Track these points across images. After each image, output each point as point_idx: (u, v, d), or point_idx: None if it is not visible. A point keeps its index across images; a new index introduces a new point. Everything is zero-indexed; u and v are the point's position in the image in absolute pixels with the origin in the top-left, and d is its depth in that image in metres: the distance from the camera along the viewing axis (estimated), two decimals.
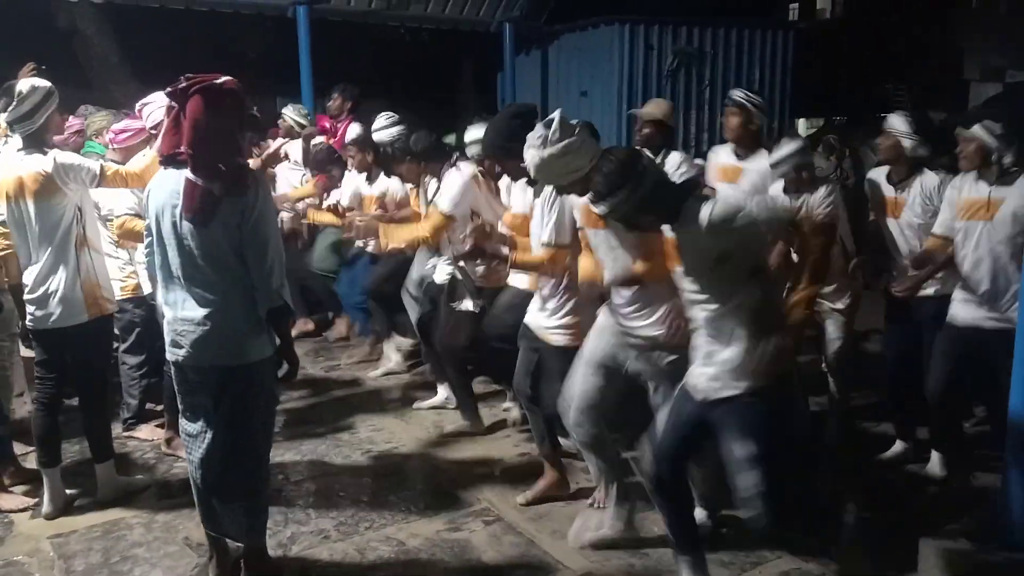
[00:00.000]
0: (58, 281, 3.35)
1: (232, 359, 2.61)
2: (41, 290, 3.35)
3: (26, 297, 3.40)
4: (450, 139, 5.75)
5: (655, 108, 4.46)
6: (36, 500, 3.55)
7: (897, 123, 3.68)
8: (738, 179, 4.23)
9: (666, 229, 2.60)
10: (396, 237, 4.06)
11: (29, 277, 3.38)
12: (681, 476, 2.80)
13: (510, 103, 3.63)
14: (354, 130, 5.39)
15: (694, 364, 2.64)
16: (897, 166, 3.73)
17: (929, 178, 3.64)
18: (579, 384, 3.10)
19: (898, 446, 3.96)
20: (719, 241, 2.45)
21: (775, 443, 2.53)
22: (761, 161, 4.09)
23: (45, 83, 3.34)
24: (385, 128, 4.83)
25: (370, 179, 5.26)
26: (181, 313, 2.62)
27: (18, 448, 3.89)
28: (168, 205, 2.57)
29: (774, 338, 2.49)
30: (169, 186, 2.58)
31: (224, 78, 2.55)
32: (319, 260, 5.78)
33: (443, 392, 4.73)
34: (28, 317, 3.43)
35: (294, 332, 6.03)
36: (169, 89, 2.56)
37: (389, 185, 5.11)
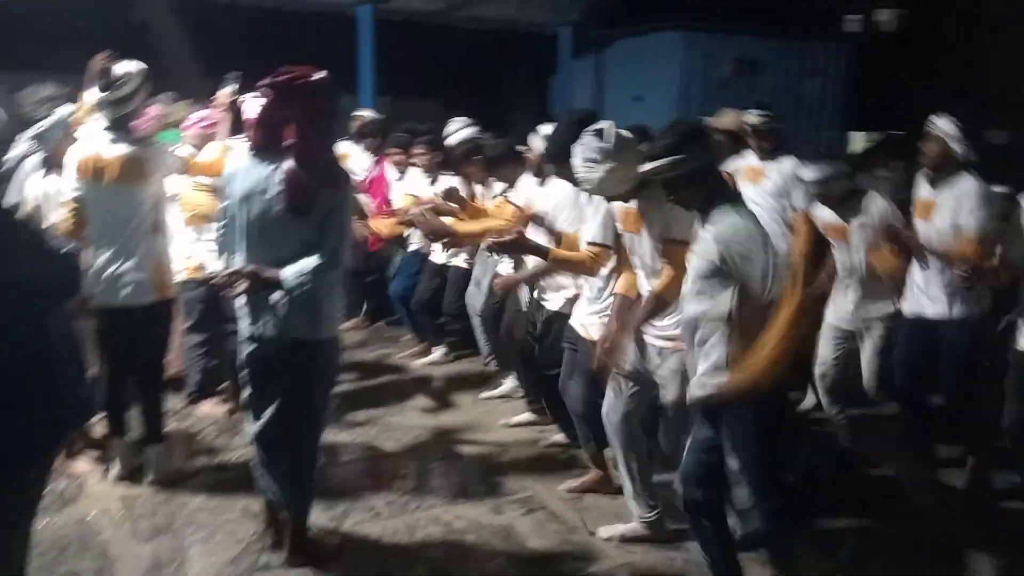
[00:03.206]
0: (131, 261, 3.47)
1: (305, 334, 2.73)
2: (112, 269, 3.46)
3: (92, 274, 3.47)
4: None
5: (729, 119, 4.75)
6: (105, 466, 3.74)
7: (944, 125, 3.56)
8: (761, 180, 4.61)
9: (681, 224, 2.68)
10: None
11: (97, 255, 3.48)
12: (711, 498, 2.66)
13: (569, 110, 3.63)
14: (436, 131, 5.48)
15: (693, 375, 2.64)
16: (940, 169, 3.60)
17: (968, 180, 3.52)
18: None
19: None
20: (719, 255, 2.46)
21: (765, 454, 2.51)
22: (784, 163, 4.50)
23: (142, 65, 3.45)
24: (458, 131, 5.01)
25: (433, 180, 5.40)
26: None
27: None
28: (258, 191, 2.67)
29: (761, 350, 2.39)
30: (258, 172, 2.69)
31: (320, 73, 2.63)
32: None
33: (510, 382, 4.84)
34: (96, 294, 3.51)
35: (347, 324, 6.25)
36: (267, 81, 2.65)
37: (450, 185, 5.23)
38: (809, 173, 3.78)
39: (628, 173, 2.85)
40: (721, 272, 2.48)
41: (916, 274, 3.68)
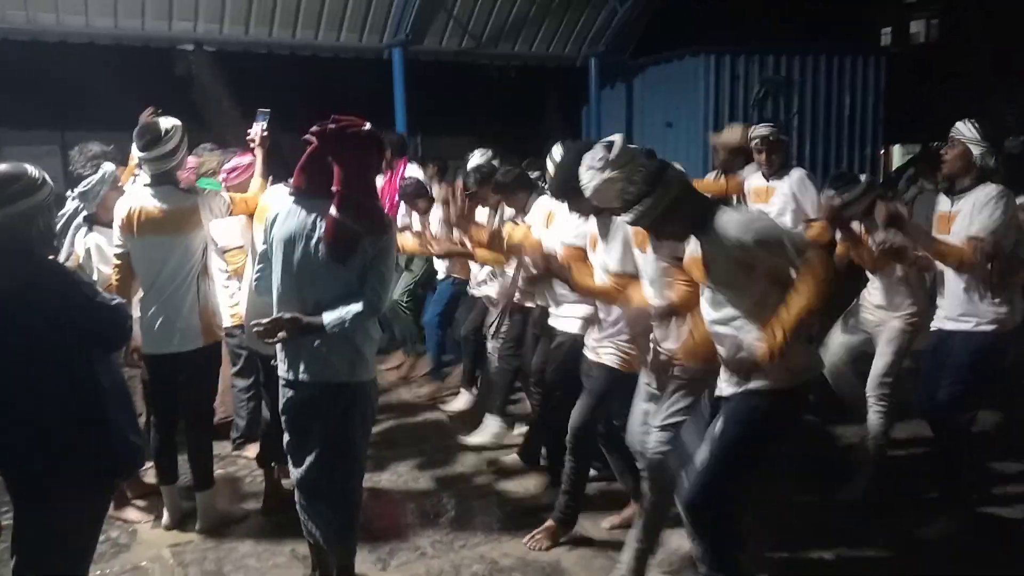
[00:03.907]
0: (179, 309, 3.56)
1: (343, 377, 2.76)
2: (161, 317, 3.55)
3: (142, 322, 3.56)
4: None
5: (731, 135, 4.77)
6: (156, 514, 3.81)
7: (965, 130, 3.44)
8: (769, 199, 4.60)
9: (690, 243, 2.67)
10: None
11: (147, 305, 3.58)
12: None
13: (574, 141, 3.65)
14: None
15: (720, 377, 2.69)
16: (963, 178, 3.44)
17: (989, 188, 3.35)
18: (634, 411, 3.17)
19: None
20: (747, 251, 2.47)
21: (753, 447, 2.58)
22: (793, 175, 4.53)
23: (179, 122, 3.58)
24: (477, 159, 5.17)
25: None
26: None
27: None
28: (300, 235, 2.72)
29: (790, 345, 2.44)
30: (301, 217, 2.75)
31: (368, 125, 2.72)
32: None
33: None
34: (145, 343, 3.61)
35: (386, 365, 6.33)
36: (317, 128, 2.71)
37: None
38: (832, 200, 3.72)
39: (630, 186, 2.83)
40: (744, 263, 2.49)
41: (946, 284, 3.56)
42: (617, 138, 2.89)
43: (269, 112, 3.91)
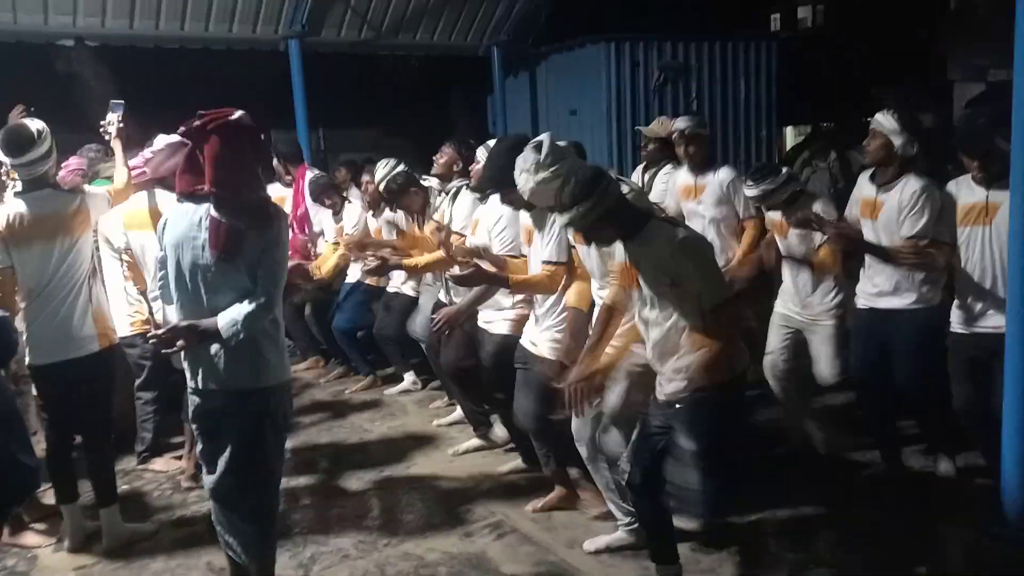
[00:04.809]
0: (73, 314, 3.39)
1: (249, 382, 2.66)
2: (51, 325, 3.36)
3: (30, 333, 3.38)
4: None
5: (659, 127, 4.81)
6: (58, 536, 3.60)
7: (885, 121, 3.53)
8: (700, 196, 4.63)
9: (619, 248, 2.77)
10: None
11: (35, 315, 3.37)
12: (652, 483, 2.82)
13: (503, 136, 3.65)
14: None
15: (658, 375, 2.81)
16: (884, 167, 3.57)
17: (912, 182, 3.48)
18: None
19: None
20: (679, 265, 2.61)
21: (718, 443, 2.68)
22: (721, 174, 4.56)
23: (43, 125, 3.38)
24: (388, 170, 4.91)
25: (375, 213, 5.46)
26: None
27: None
28: (188, 238, 2.62)
29: (720, 346, 2.63)
30: (187, 219, 2.64)
31: (238, 113, 2.59)
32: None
33: (459, 411, 4.82)
34: (34, 354, 3.41)
35: (303, 365, 6.19)
36: (183, 128, 2.60)
37: (395, 217, 5.23)
38: (752, 190, 3.85)
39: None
40: (679, 276, 2.61)
41: (867, 268, 3.71)
42: (545, 138, 2.93)
43: (124, 103, 3.95)
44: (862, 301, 3.74)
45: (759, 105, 8.86)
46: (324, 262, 5.64)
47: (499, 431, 4.44)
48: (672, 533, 2.99)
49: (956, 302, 3.47)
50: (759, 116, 8.91)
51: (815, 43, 12.75)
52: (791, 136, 13.46)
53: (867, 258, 3.68)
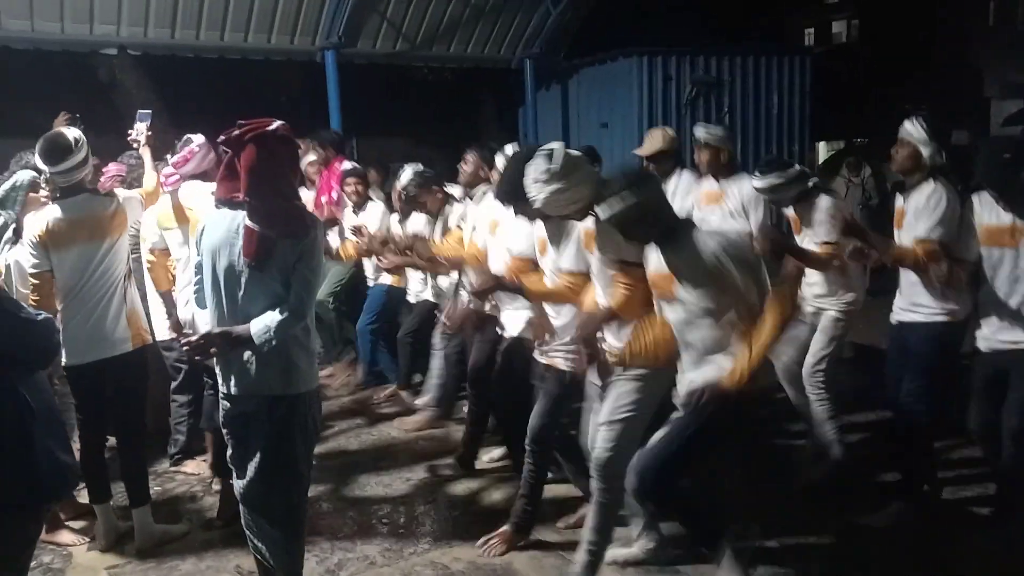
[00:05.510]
0: (108, 314, 3.48)
1: (279, 389, 2.70)
2: (87, 326, 3.45)
3: (65, 333, 3.39)
4: None
5: (651, 143, 4.71)
6: (92, 535, 3.67)
7: (913, 130, 3.48)
8: (722, 201, 4.52)
9: (654, 256, 2.78)
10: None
11: (72, 316, 3.45)
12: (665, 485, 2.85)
13: (518, 149, 3.67)
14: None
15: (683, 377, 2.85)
16: (912, 176, 3.50)
17: (930, 185, 3.41)
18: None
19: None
20: (720, 269, 2.64)
21: (699, 442, 2.75)
22: (743, 183, 4.36)
23: (79, 134, 3.46)
24: (408, 175, 5.05)
25: (402, 218, 5.48)
26: None
27: None
28: (225, 245, 2.67)
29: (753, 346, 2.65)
30: (225, 226, 2.69)
31: (276, 123, 2.63)
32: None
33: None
34: (69, 354, 3.46)
35: (327, 371, 6.23)
36: (223, 136, 2.65)
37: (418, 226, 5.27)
38: (758, 182, 3.85)
39: (577, 193, 2.92)
40: (717, 283, 2.64)
41: (901, 276, 3.64)
42: (557, 146, 2.92)
43: (151, 112, 4.14)
44: (892, 316, 3.70)
45: (791, 120, 8.83)
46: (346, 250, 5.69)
47: None
48: (707, 521, 2.94)
49: (981, 321, 3.42)
50: (791, 131, 8.88)
51: (849, 58, 12.66)
52: (823, 151, 13.37)
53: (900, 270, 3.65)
